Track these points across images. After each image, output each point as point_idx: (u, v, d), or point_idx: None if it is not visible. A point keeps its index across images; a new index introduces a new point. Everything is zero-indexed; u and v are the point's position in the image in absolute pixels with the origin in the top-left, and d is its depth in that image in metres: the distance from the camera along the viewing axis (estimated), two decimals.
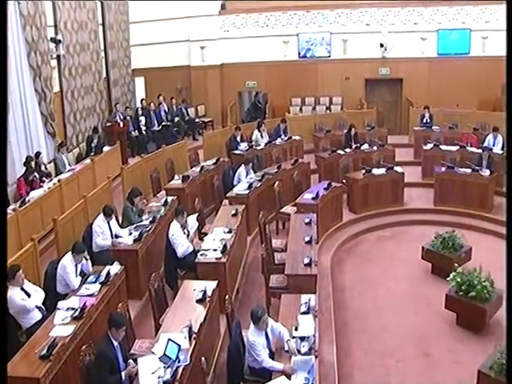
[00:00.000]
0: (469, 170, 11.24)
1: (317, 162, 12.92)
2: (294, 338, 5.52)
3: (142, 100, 15.56)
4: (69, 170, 10.59)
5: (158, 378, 4.80)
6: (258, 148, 12.70)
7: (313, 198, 9.81)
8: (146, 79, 16.91)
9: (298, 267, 7.12)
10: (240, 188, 10.01)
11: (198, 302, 6.08)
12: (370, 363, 6.89)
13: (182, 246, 7.49)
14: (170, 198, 9.43)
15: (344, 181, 11.44)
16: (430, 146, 12.79)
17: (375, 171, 11.41)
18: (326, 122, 14.93)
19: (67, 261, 6.49)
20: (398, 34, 16.11)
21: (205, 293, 6.18)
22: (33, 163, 9.94)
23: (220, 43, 16.78)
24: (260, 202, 10.11)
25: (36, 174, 9.74)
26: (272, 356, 5.43)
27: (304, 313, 5.97)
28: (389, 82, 16.67)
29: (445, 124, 13.94)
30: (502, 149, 12.23)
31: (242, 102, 18.58)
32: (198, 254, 7.30)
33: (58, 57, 11.90)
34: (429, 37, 16.10)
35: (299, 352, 5.33)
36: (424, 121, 14.20)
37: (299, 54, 16.75)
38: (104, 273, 6.60)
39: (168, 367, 4.89)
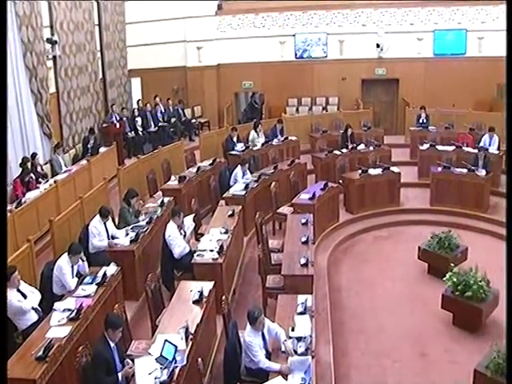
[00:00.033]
0: (465, 170, 11.26)
1: (313, 162, 12.93)
2: (290, 338, 5.52)
3: (138, 101, 15.56)
4: (65, 171, 10.58)
5: (155, 378, 4.79)
6: (255, 148, 12.70)
7: (309, 199, 9.82)
8: (143, 80, 16.90)
9: (294, 267, 7.13)
10: (236, 188, 10.01)
11: (194, 302, 6.07)
12: (367, 363, 6.90)
13: (179, 247, 7.48)
14: (166, 199, 9.42)
15: (340, 181, 11.46)
16: (426, 146, 12.81)
17: (371, 171, 11.43)
18: (323, 122, 14.94)
19: (63, 262, 6.48)
20: (395, 34, 16.14)
21: (201, 293, 6.17)
22: (29, 164, 9.93)
23: (216, 44, 16.78)
24: (256, 203, 10.10)
25: (32, 175, 9.72)
26: (269, 356, 5.43)
27: (300, 313, 5.98)
28: (385, 83, 16.70)
29: (441, 124, 13.96)
30: (498, 149, 12.28)
31: (239, 103, 18.57)
32: (195, 255, 7.30)
33: (54, 57, 11.89)
34: (425, 37, 16.13)
35: (296, 352, 5.34)
36: (420, 121, 14.22)
37: (296, 54, 16.76)
38: (100, 274, 6.58)
39: (165, 368, 4.88)
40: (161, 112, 14.83)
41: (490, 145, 12.38)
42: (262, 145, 12.90)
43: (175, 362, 4.99)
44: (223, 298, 6.24)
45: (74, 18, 12.62)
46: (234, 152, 12.41)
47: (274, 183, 10.40)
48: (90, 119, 13.52)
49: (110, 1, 14.74)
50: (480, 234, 10.60)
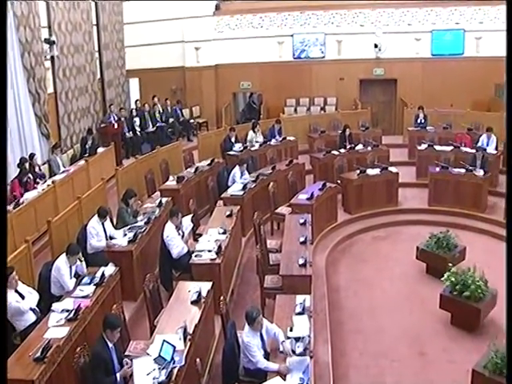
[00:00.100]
0: (463, 170, 11.27)
1: (311, 162, 12.93)
2: (288, 338, 5.53)
3: (136, 101, 15.53)
4: (63, 172, 10.55)
5: (153, 379, 4.79)
6: (253, 149, 12.70)
7: (307, 199, 9.83)
8: (141, 80, 16.89)
9: (292, 268, 7.13)
10: (235, 189, 10.02)
11: (192, 303, 6.08)
12: (365, 363, 6.91)
13: (177, 247, 7.48)
14: (164, 199, 9.42)
15: (338, 181, 11.46)
16: (424, 146, 12.82)
17: (370, 171, 11.43)
18: (321, 122, 14.95)
19: (61, 262, 6.48)
20: (392, 34, 16.15)
21: (199, 294, 6.17)
22: (27, 165, 9.91)
23: (214, 44, 16.77)
24: (255, 203, 10.10)
25: (30, 175, 9.71)
26: (267, 357, 5.43)
27: (299, 313, 5.98)
28: (383, 83, 16.71)
29: (439, 124, 13.98)
30: (496, 149, 12.29)
31: (237, 103, 18.59)
32: (193, 255, 7.30)
33: (52, 58, 11.86)
34: (423, 37, 16.14)
35: (294, 353, 5.34)
36: (418, 121, 14.24)
37: (293, 54, 16.76)
38: (98, 274, 6.58)
39: (163, 368, 4.89)
40: (159, 112, 14.80)
41: (487, 145, 12.38)
42: (260, 145, 12.91)
43: (173, 363, 4.99)
44: (221, 298, 6.24)
45: (71, 19, 12.60)
46: (232, 152, 12.42)
47: (272, 183, 10.40)
48: (88, 119, 13.50)
49: (108, 1, 14.72)
50: (478, 234, 10.61)
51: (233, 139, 12.86)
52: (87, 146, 12.10)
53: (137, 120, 14.23)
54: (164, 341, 5.17)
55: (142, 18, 16.19)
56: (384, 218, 11.27)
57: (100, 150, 12.16)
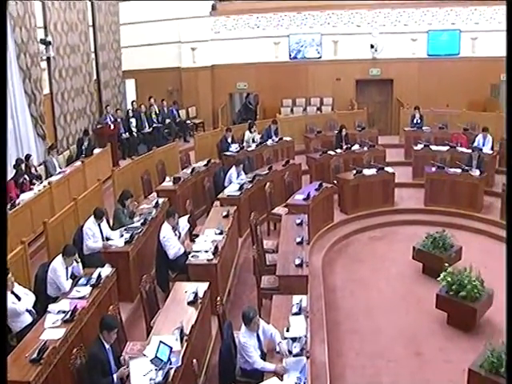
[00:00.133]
0: (459, 170, 11.30)
1: (308, 162, 12.94)
2: (285, 338, 5.53)
3: (132, 102, 15.52)
4: (59, 173, 10.55)
5: (150, 380, 4.79)
6: (249, 149, 12.71)
7: (304, 199, 9.84)
8: (137, 81, 16.86)
9: (289, 268, 7.14)
10: (231, 189, 10.02)
11: (189, 303, 6.07)
12: (362, 363, 6.91)
13: (174, 248, 7.48)
14: (161, 200, 9.42)
15: (335, 181, 11.47)
16: (420, 146, 12.84)
17: (366, 172, 11.44)
18: (317, 122, 14.96)
19: (58, 263, 6.47)
20: (389, 34, 16.17)
21: (196, 294, 6.17)
22: (23, 166, 9.92)
23: (211, 44, 16.77)
24: (251, 204, 10.11)
25: (26, 176, 9.71)
26: (264, 357, 5.43)
27: (295, 313, 5.98)
28: (379, 83, 16.73)
29: (435, 124, 14.00)
30: (492, 149, 12.32)
31: (233, 104, 18.59)
32: (190, 256, 7.30)
33: (48, 58, 11.85)
34: (419, 38, 16.17)
35: (291, 353, 5.34)
36: (414, 121, 14.25)
37: (290, 55, 16.77)
38: (95, 275, 6.58)
39: (159, 369, 4.88)
40: (155, 113, 14.80)
41: (483, 145, 12.41)
42: (257, 145, 12.92)
43: (170, 363, 4.99)
44: (218, 298, 6.24)
45: (67, 19, 12.58)
46: (228, 153, 12.42)
47: (268, 184, 10.41)
48: (85, 120, 13.48)
49: (104, 1, 14.71)
50: (474, 234, 10.63)
51: (229, 140, 12.86)
52: (83, 147, 12.09)
53: (133, 121, 14.21)
54: (160, 342, 5.16)
55: (138, 18, 16.16)
56: (380, 218, 11.28)
57: (96, 150, 12.15)
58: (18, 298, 5.91)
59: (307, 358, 5.33)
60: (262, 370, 5.25)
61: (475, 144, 12.47)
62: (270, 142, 13.25)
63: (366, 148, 12.78)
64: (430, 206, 11.46)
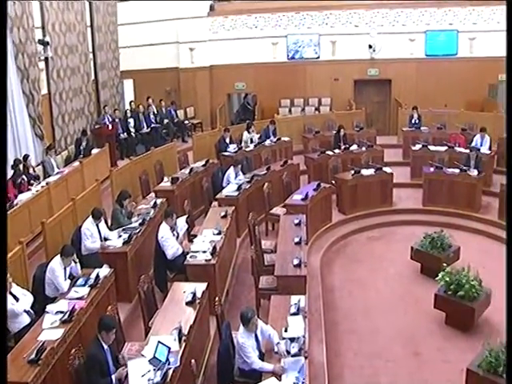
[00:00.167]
0: (457, 170, 11.31)
1: (306, 162, 12.95)
2: (283, 339, 5.54)
3: (130, 102, 15.52)
4: (57, 173, 10.54)
5: (148, 380, 4.79)
6: (247, 149, 12.71)
7: (302, 199, 9.84)
8: (135, 81, 16.87)
9: (287, 268, 7.14)
10: (229, 190, 10.02)
11: (187, 304, 6.07)
12: (360, 363, 6.92)
13: (172, 248, 7.47)
14: (159, 200, 9.42)
15: (333, 181, 11.47)
16: (418, 146, 12.85)
17: (364, 172, 11.45)
18: (315, 123, 14.97)
19: (56, 264, 6.46)
20: (387, 35, 16.19)
21: (194, 295, 6.17)
22: (21, 166, 9.90)
23: (209, 45, 16.78)
24: (249, 204, 10.11)
25: (24, 176, 9.69)
26: (262, 357, 5.43)
27: (294, 314, 5.99)
28: (377, 83, 16.74)
29: (433, 124, 14.02)
30: (490, 149, 12.34)
31: (231, 104, 18.59)
32: (188, 256, 7.30)
33: (46, 59, 11.83)
34: (417, 38, 16.19)
35: (289, 353, 5.35)
36: (412, 121, 14.27)
37: (288, 55, 16.78)
38: (93, 276, 6.57)
39: (158, 370, 4.88)
40: (153, 113, 14.79)
41: (481, 145, 12.42)
42: (255, 146, 12.92)
43: (168, 364, 4.99)
44: (216, 299, 6.24)
45: (65, 19, 12.57)
46: (226, 153, 12.42)
47: (266, 184, 10.41)
48: (83, 121, 13.47)
49: (102, 2, 14.70)
50: (472, 234, 10.64)
51: (227, 140, 12.86)
52: (81, 148, 12.08)
53: (131, 121, 14.21)
54: (159, 342, 5.16)
55: (136, 18, 16.18)
56: (378, 219, 11.29)
57: (94, 151, 12.14)
58: (16, 299, 5.91)
59: (305, 358, 5.33)
60: (261, 370, 5.25)
61: (473, 144, 12.48)
62: (268, 142, 13.25)
63: (364, 148, 12.79)
64: (428, 206, 11.47)
